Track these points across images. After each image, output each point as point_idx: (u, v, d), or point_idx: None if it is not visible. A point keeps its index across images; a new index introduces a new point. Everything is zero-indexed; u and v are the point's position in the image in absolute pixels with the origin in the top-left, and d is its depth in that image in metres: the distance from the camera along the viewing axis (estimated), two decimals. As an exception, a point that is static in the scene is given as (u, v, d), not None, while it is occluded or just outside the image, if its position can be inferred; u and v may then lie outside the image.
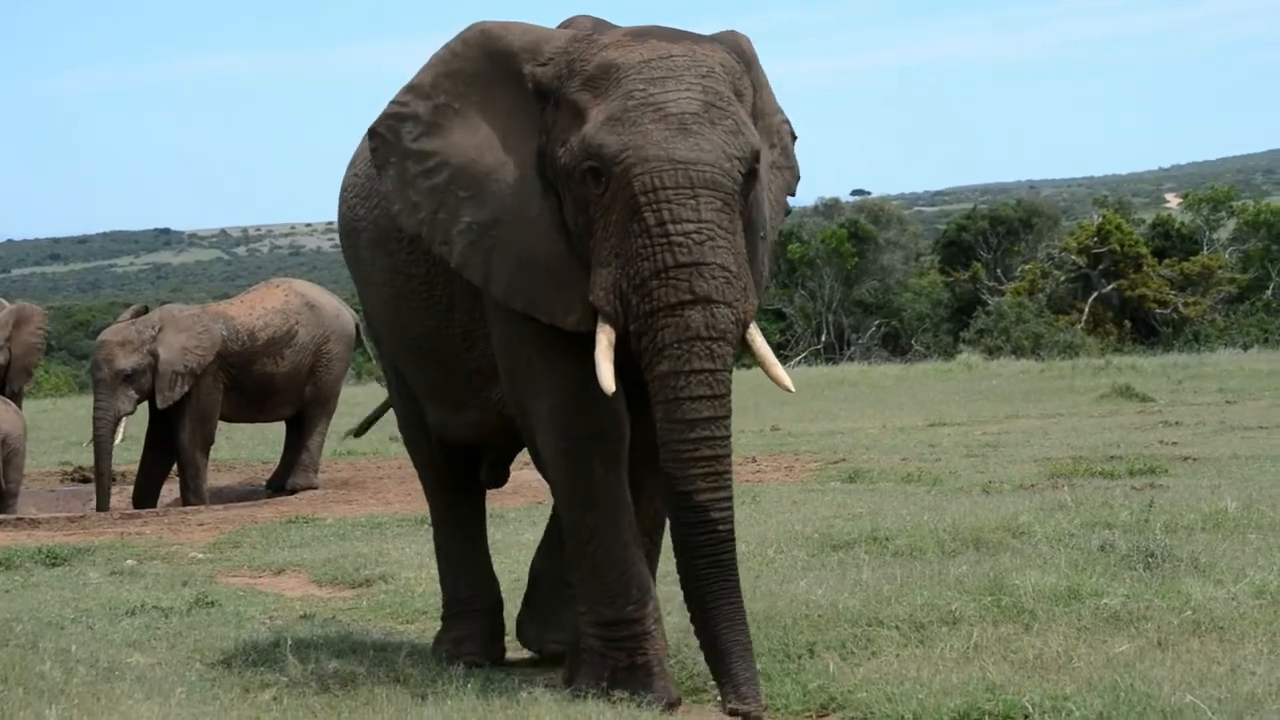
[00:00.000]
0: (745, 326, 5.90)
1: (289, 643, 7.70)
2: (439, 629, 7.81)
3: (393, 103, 6.60)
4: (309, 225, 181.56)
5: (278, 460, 17.73)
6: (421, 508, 14.19)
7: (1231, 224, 47.07)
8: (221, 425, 17.23)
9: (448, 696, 6.49)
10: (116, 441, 16.35)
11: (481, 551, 7.82)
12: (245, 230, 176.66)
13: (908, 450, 17.45)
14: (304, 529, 13.15)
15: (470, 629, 7.62)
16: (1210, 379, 26.65)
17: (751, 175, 5.96)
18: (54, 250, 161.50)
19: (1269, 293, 43.38)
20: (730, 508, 5.91)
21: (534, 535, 11.52)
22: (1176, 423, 19.19)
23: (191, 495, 16.45)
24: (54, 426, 23.65)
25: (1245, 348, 35.09)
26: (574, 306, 6.10)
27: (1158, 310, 42.49)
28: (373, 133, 6.63)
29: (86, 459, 18.00)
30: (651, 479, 6.43)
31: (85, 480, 17.75)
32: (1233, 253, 45.63)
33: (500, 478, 7.70)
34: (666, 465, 5.85)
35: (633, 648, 6.34)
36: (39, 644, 7.84)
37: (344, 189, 7.48)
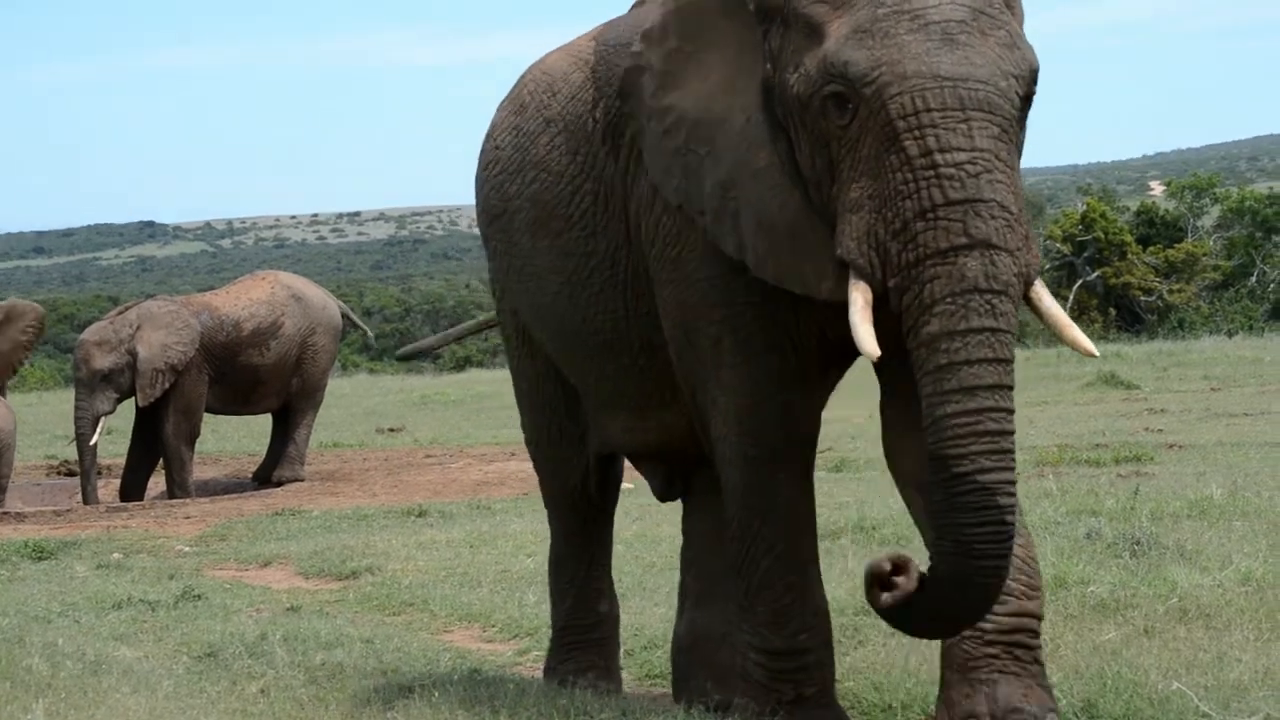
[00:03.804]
0: (1029, 283, 4.81)
1: (276, 635, 7.71)
2: (551, 653, 6.89)
3: (632, 54, 5.53)
4: (294, 217, 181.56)
5: (264, 453, 17.73)
6: (407, 498, 14.23)
7: (1216, 211, 47.11)
8: (207, 418, 17.25)
9: (435, 688, 6.49)
10: (94, 440, 16.36)
11: (607, 575, 6.92)
12: (230, 223, 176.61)
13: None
14: (290, 521, 13.15)
15: (590, 659, 6.71)
16: (1195, 366, 26.68)
17: (1028, 100, 4.92)
18: (38, 244, 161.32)
19: (1253, 279, 43.45)
20: (1015, 493, 4.76)
21: (521, 526, 11.55)
22: (1162, 410, 19.22)
23: (177, 488, 16.47)
24: (39, 420, 23.62)
25: (1230, 334, 35.12)
26: (825, 270, 5.00)
27: (1142, 298, 42.55)
28: (622, 93, 5.61)
29: (72, 453, 18.00)
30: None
31: (71, 474, 17.75)
32: (1217, 240, 45.68)
33: (680, 486, 6.69)
34: (939, 445, 4.70)
35: (801, 679, 5.49)
36: (26, 638, 7.83)
37: (485, 166, 6.46)
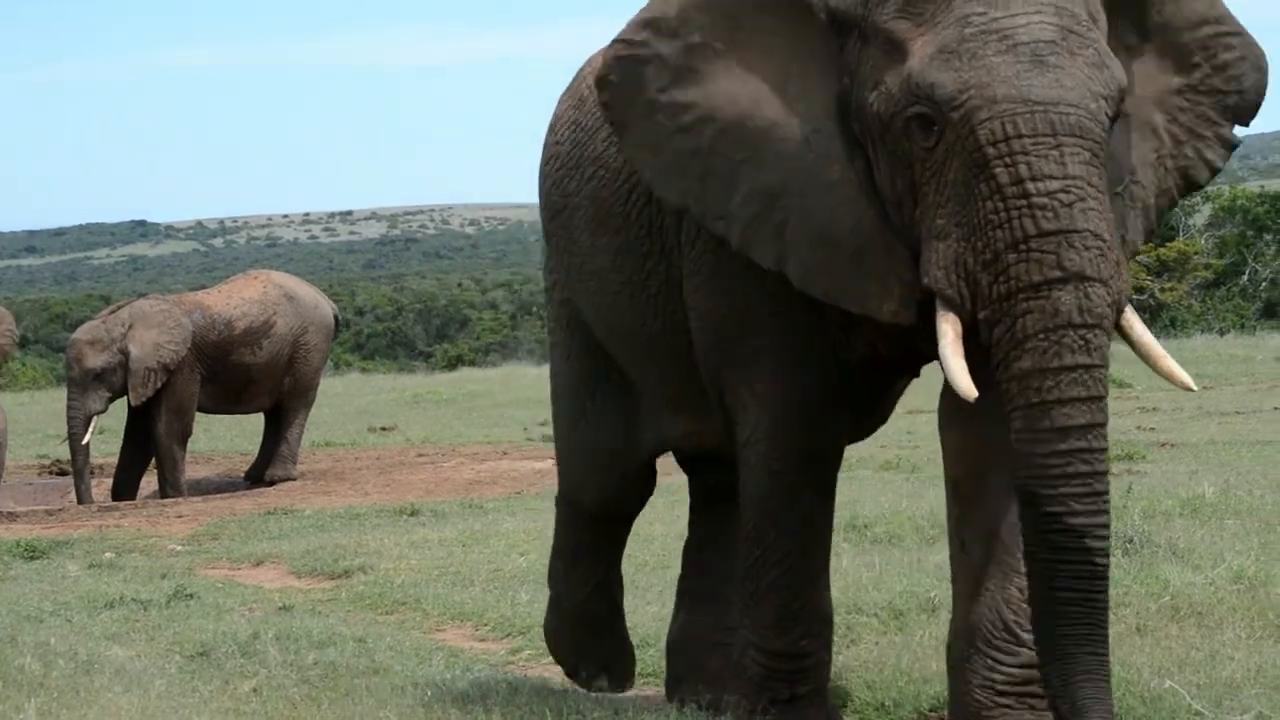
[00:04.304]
0: (1120, 310, 4.67)
1: (268, 634, 7.71)
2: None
3: (622, 41, 5.23)
4: (286, 216, 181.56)
5: (256, 452, 17.73)
6: (400, 497, 14.23)
7: (1207, 209, 47.13)
8: (200, 417, 17.24)
9: (428, 687, 6.49)
10: (86, 440, 16.36)
11: (616, 607, 6.72)
12: (222, 222, 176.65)
13: (886, 437, 17.39)
14: (282, 520, 13.14)
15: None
16: (1187, 364, 26.03)
17: (1115, 119, 4.77)
18: (30, 243, 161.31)
19: (1245, 278, 43.50)
20: (1108, 535, 4.69)
21: (513, 525, 11.55)
22: (1154, 408, 19.24)
23: (169, 488, 16.46)
24: (31, 420, 23.59)
25: (1221, 333, 35.17)
26: (891, 291, 4.89)
27: (1134, 296, 42.50)
28: (603, 82, 5.28)
29: (64, 452, 17.98)
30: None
31: (63, 473, 17.73)
32: (1209, 238, 45.72)
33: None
34: (1029, 483, 4.60)
35: (797, 679, 5.47)
36: (18, 637, 7.83)
37: (545, 161, 6.25)
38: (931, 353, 4.85)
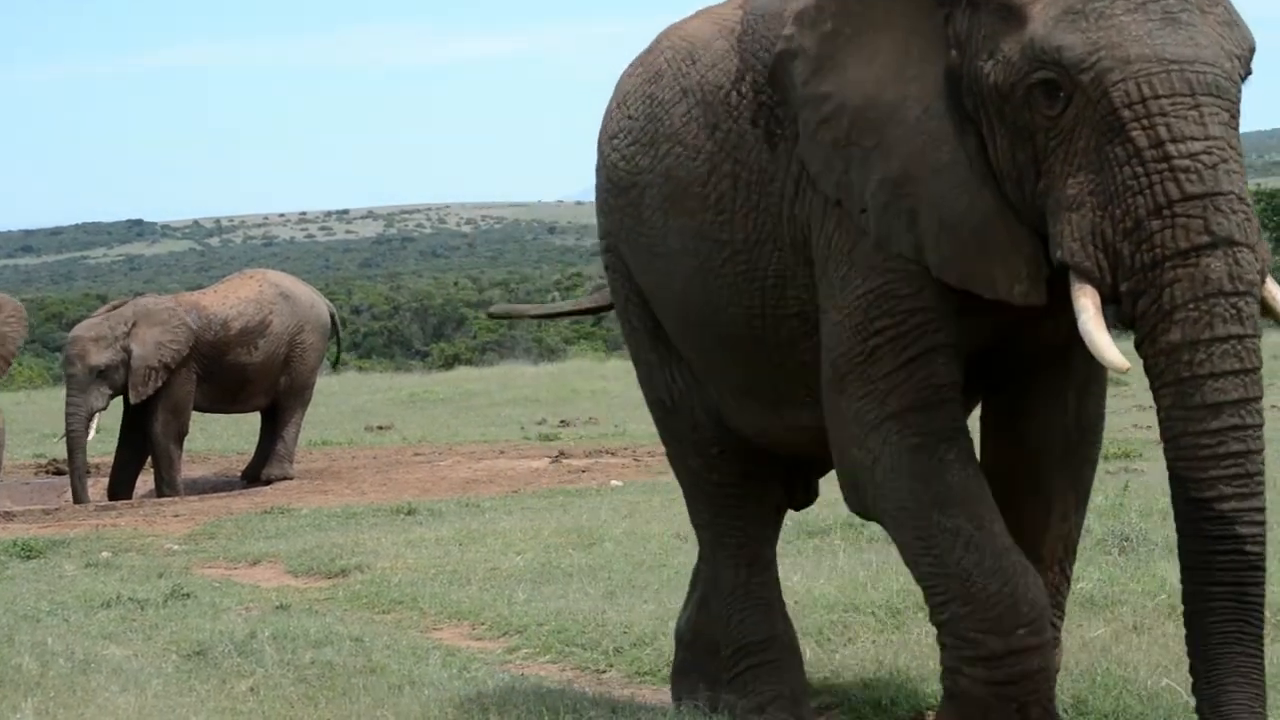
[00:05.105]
0: (1264, 279, 4.43)
1: (265, 633, 7.71)
2: (730, 687, 5.99)
3: (783, 37, 5.06)
4: (282, 215, 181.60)
5: (252, 451, 17.72)
6: (396, 496, 14.23)
7: (1205, 207, 47.20)
8: (196, 416, 17.22)
9: (425, 686, 6.49)
10: (90, 438, 16.34)
11: (773, 583, 6.06)
12: (218, 221, 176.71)
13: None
14: (279, 519, 13.14)
15: (774, 689, 5.87)
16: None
17: (1246, 79, 4.55)
18: (26, 242, 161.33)
19: (1242, 276, 43.56)
20: (1263, 521, 4.38)
21: (510, 524, 11.55)
22: (1151, 406, 19.14)
23: (166, 487, 16.44)
24: (28, 419, 23.57)
25: (1218, 331, 35.24)
26: (1018, 272, 4.65)
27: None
28: (771, 82, 5.17)
29: (61, 451, 17.95)
30: (1063, 491, 5.26)
31: (59, 473, 17.71)
32: (1206, 236, 45.74)
33: (812, 493, 6.20)
34: (1178, 465, 4.39)
35: (1026, 693, 4.83)
36: (15, 637, 7.83)
37: (613, 134, 5.90)
38: (1056, 336, 4.75)
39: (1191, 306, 4.29)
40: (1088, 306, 4.42)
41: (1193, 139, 4.31)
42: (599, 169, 5.99)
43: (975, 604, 4.80)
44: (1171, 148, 4.30)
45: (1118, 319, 4.49)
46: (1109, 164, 4.37)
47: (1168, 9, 4.38)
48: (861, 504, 5.10)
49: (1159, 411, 4.42)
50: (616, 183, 5.83)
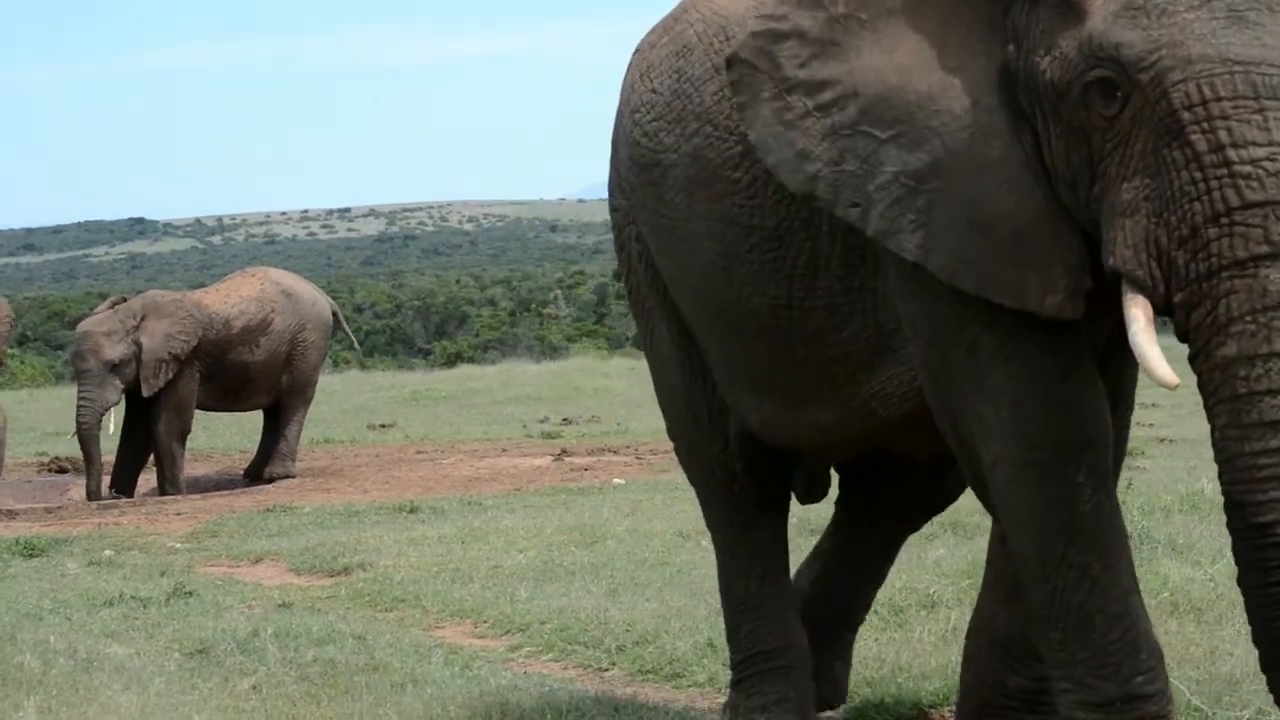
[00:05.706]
0: None
1: (268, 632, 7.71)
2: (731, 691, 5.95)
3: (761, 17, 4.77)
4: (284, 214, 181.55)
5: (255, 449, 17.73)
6: (399, 494, 14.22)
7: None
8: (199, 415, 17.23)
9: (427, 684, 6.49)
10: (110, 432, 16.37)
11: (785, 588, 5.92)
12: (220, 219, 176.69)
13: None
14: (282, 518, 13.14)
15: (780, 691, 5.74)
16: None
17: None
18: (28, 240, 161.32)
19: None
20: None
21: (512, 522, 11.55)
22: (1153, 404, 19.20)
23: (168, 485, 16.45)
24: (30, 417, 23.58)
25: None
26: (1054, 283, 4.41)
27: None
28: (734, 60, 4.81)
29: (63, 449, 17.96)
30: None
31: (62, 471, 17.72)
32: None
33: (824, 488, 5.99)
34: (1235, 490, 4.17)
35: None
36: (17, 635, 7.84)
37: (635, 109, 5.62)
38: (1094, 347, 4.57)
39: (1249, 319, 4.07)
40: (1139, 317, 4.22)
41: (1255, 144, 4.08)
42: (617, 143, 5.76)
43: (1094, 650, 4.57)
44: (1232, 153, 4.08)
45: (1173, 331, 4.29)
46: (1166, 168, 4.15)
47: (1233, 7, 4.16)
48: (989, 506, 4.87)
49: (1213, 432, 4.19)
50: (638, 160, 5.58)
